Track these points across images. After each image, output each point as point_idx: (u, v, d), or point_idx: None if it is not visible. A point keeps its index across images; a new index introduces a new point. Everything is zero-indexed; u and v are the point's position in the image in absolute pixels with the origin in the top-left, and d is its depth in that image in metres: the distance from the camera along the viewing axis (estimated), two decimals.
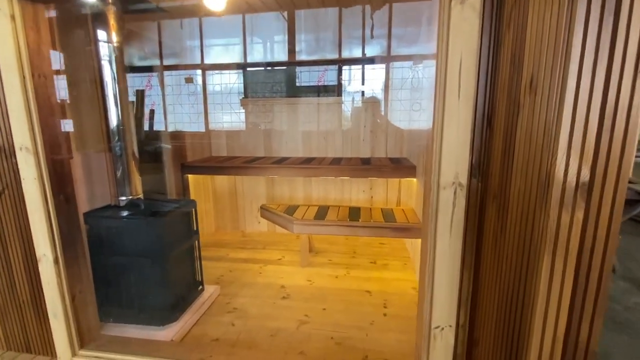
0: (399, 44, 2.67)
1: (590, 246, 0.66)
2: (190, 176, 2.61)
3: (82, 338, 1.45)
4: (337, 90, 2.82)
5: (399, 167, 2.28)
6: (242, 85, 2.96)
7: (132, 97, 2.82)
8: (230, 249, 2.66)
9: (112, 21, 1.43)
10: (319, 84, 2.86)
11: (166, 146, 2.58)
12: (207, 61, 2.98)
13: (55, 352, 1.43)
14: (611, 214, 0.64)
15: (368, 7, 2.65)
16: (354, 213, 2.35)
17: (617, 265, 2.48)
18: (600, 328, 0.74)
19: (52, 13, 1.30)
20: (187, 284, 1.76)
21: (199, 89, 3.04)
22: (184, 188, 2.53)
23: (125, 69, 1.53)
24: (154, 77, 3.15)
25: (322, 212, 2.37)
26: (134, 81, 3.19)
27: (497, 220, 0.91)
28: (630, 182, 2.17)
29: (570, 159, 0.64)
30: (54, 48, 1.30)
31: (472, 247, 1.04)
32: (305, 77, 2.90)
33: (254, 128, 2.92)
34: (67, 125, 1.48)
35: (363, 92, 2.81)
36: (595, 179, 0.64)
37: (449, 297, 1.08)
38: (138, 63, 3.06)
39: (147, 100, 2.91)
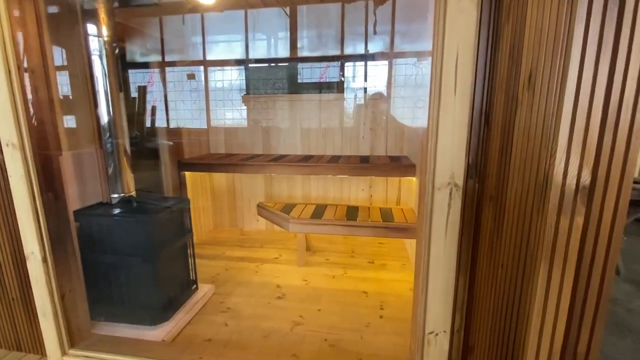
0: (403, 40, 2.61)
1: (591, 254, 0.61)
2: (188, 173, 2.59)
3: (72, 337, 1.43)
4: (337, 87, 2.78)
5: (398, 165, 2.24)
6: (244, 81, 2.92)
7: (134, 94, 2.81)
8: (227, 247, 2.63)
9: (102, 15, 1.39)
10: (321, 81, 2.82)
11: (167, 143, 2.55)
12: (209, 57, 2.94)
13: (45, 351, 1.41)
14: (614, 219, 0.59)
15: (371, 3, 2.60)
16: (352, 212, 2.31)
17: (621, 267, 2.42)
18: (601, 339, 0.69)
19: (40, 5, 1.27)
20: (180, 283, 1.73)
21: (201, 85, 3.01)
22: (181, 185, 2.51)
23: (117, 63, 1.49)
24: (156, 74, 3.12)
25: (319, 211, 2.34)
26: (136, 77, 3.17)
27: (493, 223, 0.87)
28: (635, 181, 2.10)
29: (570, 160, 0.60)
30: (42, 42, 1.26)
31: (468, 250, 1.00)
32: (307, 73, 2.86)
33: (255, 125, 2.89)
34: (57, 121, 1.46)
35: (365, 89, 2.76)
36: (597, 181, 0.59)
37: (444, 302, 1.04)
38: (140, 59, 3.03)
39: (149, 97, 2.89)
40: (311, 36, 2.79)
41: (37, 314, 1.38)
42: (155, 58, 3.01)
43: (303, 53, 2.80)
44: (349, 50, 2.74)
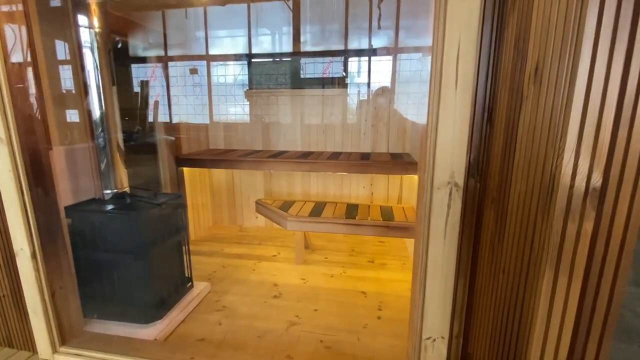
0: (407, 35, 2.54)
1: (600, 263, 0.56)
2: (187, 169, 2.56)
3: (64, 335, 1.41)
4: (340, 82, 2.72)
5: (399, 163, 2.18)
6: (246, 77, 2.88)
7: (137, 89, 2.78)
8: (225, 244, 2.60)
9: (93, 5, 1.35)
10: (324, 76, 2.77)
11: (169, 138, 2.52)
12: (211, 52, 2.90)
13: (36, 349, 1.39)
14: (626, 225, 0.54)
15: None
16: (352, 210, 2.27)
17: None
18: (609, 351, 0.65)
19: None
20: (174, 281, 1.70)
21: (204, 80, 2.97)
22: (179, 181, 2.47)
23: (109, 56, 1.45)
24: (159, 68, 3.09)
25: (318, 209, 2.29)
26: (139, 72, 3.14)
27: (495, 226, 0.82)
28: None
29: (580, 160, 0.54)
30: (31, 34, 1.23)
31: (468, 254, 0.95)
32: (310, 68, 2.81)
33: (256, 121, 2.84)
34: (48, 116, 1.42)
35: (369, 85, 2.71)
36: (609, 183, 0.54)
37: (442, 306, 0.99)
38: (142, 54, 3.00)
39: (151, 92, 2.86)
40: (314, 31, 2.74)
41: (27, 311, 1.35)
42: (157, 52, 2.97)
43: (306, 48, 2.75)
44: (353, 45, 2.68)
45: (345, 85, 2.70)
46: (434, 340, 1.02)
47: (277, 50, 2.84)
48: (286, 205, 2.35)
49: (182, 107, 3.08)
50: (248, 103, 2.87)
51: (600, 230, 0.55)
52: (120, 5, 2.51)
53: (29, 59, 1.27)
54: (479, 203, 0.91)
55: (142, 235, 1.46)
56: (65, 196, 1.47)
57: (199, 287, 1.86)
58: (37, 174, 1.28)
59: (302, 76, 2.79)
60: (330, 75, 2.75)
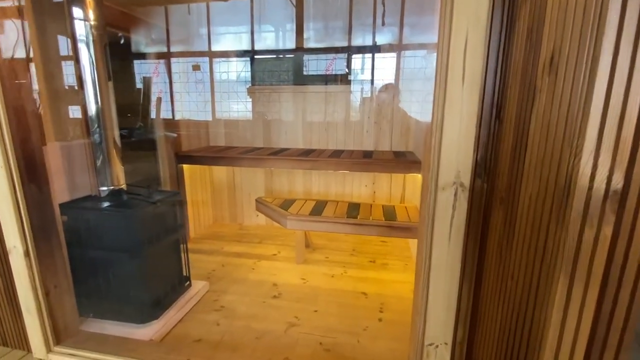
0: (412, 32, 2.49)
1: (619, 270, 0.52)
2: (187, 167, 2.52)
3: (58, 334, 1.38)
4: (343, 79, 2.68)
5: (402, 161, 2.14)
6: (249, 73, 2.85)
7: (139, 85, 2.75)
8: (225, 242, 2.57)
9: None
10: (327, 73, 2.73)
11: (172, 135, 2.49)
12: (214, 48, 2.87)
13: (31, 348, 1.37)
14: None
15: None
16: (353, 209, 2.22)
17: None
18: None
19: None
20: (171, 280, 1.67)
21: (207, 77, 2.94)
22: (178, 178, 2.44)
23: (105, 50, 1.42)
24: (162, 64, 3.06)
25: (319, 208, 2.26)
26: (142, 68, 3.12)
27: (503, 229, 0.78)
28: None
29: (600, 160, 0.50)
30: (24, 29, 1.19)
31: (473, 258, 0.91)
32: (313, 65, 2.77)
33: (258, 117, 2.81)
34: (42, 111, 1.40)
35: (372, 82, 2.66)
36: (631, 185, 0.49)
37: (446, 311, 0.95)
38: (145, 50, 2.97)
39: (154, 88, 2.83)
40: (318, 27, 2.69)
41: (21, 309, 1.33)
42: (160, 49, 2.94)
43: (309, 44, 2.71)
44: (356, 41, 2.63)
45: (348, 82, 2.66)
46: (437, 346, 0.99)
47: (280, 47, 2.80)
48: (287, 204, 2.32)
49: (184, 103, 3.06)
50: (250, 100, 2.83)
51: (621, 235, 0.51)
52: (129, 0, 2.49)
53: (23, 53, 1.24)
54: (486, 204, 0.86)
55: (138, 233, 1.43)
56: (60, 193, 1.44)
57: (197, 286, 1.83)
58: (30, 169, 1.25)
59: (304, 73, 2.75)
60: (334, 72, 2.70)
